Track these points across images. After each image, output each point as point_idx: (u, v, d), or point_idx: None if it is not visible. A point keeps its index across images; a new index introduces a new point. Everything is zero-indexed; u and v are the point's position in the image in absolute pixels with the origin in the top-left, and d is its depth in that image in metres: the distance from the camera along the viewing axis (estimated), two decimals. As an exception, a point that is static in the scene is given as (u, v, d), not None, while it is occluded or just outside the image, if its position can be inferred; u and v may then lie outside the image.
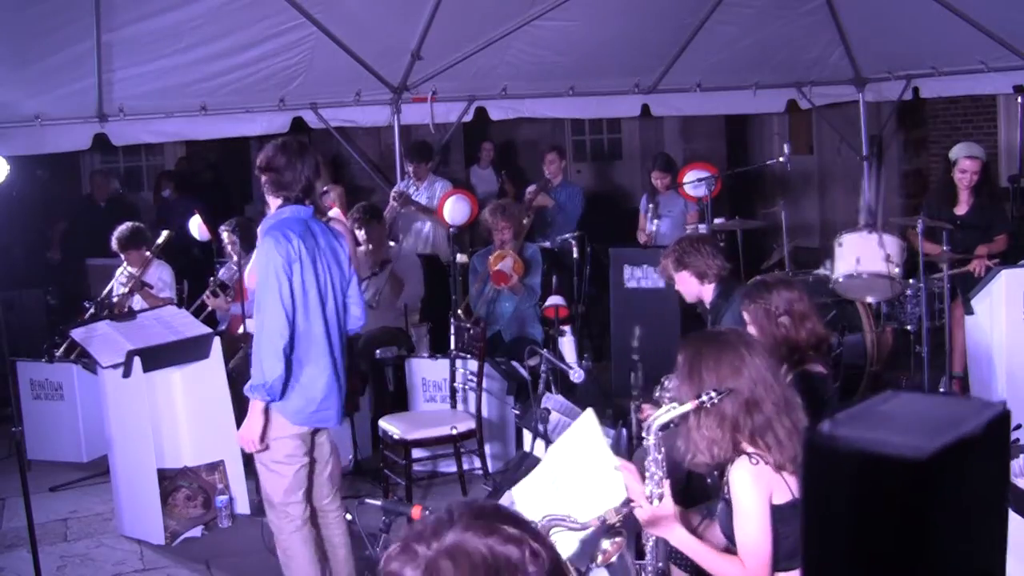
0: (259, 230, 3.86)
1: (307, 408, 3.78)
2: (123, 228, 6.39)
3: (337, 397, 3.87)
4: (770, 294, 3.58)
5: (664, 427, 2.68)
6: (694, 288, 4.47)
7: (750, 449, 2.65)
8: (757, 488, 2.62)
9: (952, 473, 1.20)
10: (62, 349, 6.23)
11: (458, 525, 1.34)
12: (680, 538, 2.68)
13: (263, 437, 3.73)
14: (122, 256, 6.35)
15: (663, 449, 2.68)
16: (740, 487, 2.63)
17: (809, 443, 1.26)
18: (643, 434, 2.73)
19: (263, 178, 3.80)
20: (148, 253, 6.35)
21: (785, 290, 3.60)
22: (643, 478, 2.70)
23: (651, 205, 7.41)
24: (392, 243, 6.79)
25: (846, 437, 1.23)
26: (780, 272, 3.80)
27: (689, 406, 2.67)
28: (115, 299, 6.22)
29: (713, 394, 2.63)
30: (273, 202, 3.82)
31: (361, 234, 6.35)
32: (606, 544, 2.70)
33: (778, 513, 2.63)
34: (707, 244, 4.52)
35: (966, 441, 1.20)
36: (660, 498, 2.67)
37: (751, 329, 3.61)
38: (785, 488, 2.65)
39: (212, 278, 6.13)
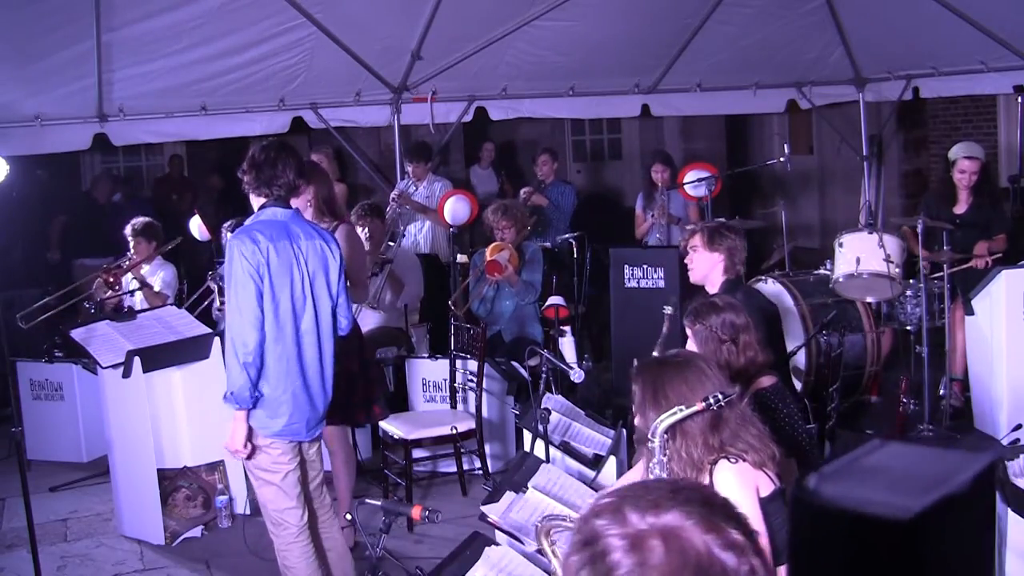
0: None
1: (275, 421, 3.65)
2: (140, 219, 6.46)
3: (306, 410, 3.71)
4: (718, 317, 3.53)
5: (669, 430, 2.68)
6: (714, 273, 4.32)
7: (729, 449, 2.68)
8: (743, 485, 2.64)
9: (938, 531, 1.19)
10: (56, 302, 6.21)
11: (683, 508, 1.19)
12: None
13: (247, 444, 3.66)
14: (131, 243, 6.38)
15: (668, 452, 2.68)
16: (726, 488, 2.63)
17: (795, 500, 1.26)
18: (648, 436, 2.73)
19: (245, 179, 3.70)
20: (155, 250, 6.40)
21: (733, 315, 3.54)
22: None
23: (649, 201, 7.46)
24: (391, 243, 6.79)
25: (831, 495, 1.22)
26: (729, 296, 3.76)
27: (696, 408, 2.68)
28: (109, 270, 6.22)
29: (720, 396, 2.63)
30: (256, 203, 3.73)
31: (364, 232, 6.36)
32: None
33: (767, 507, 2.65)
34: (742, 242, 4.44)
35: (952, 498, 1.19)
36: None
37: (692, 347, 3.58)
38: (767, 480, 2.68)
39: (211, 272, 6.14)
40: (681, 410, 2.69)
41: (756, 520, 2.62)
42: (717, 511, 1.22)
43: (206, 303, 6.25)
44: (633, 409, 2.79)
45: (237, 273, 3.52)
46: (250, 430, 3.65)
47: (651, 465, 2.70)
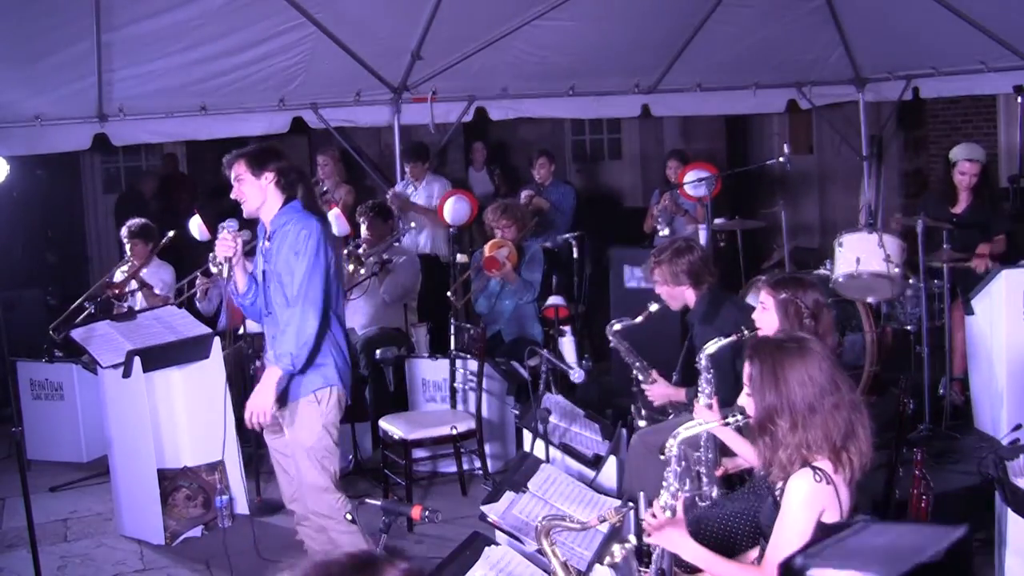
0: (275, 227, 3.86)
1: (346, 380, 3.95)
2: (136, 220, 6.47)
3: None
4: (805, 292, 3.52)
5: (687, 441, 2.66)
6: (687, 296, 4.39)
7: (823, 464, 2.55)
8: (810, 506, 2.54)
9: None
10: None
11: None
12: (691, 550, 2.65)
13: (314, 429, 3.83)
14: (127, 245, 6.39)
15: (683, 463, 2.67)
16: (794, 498, 2.55)
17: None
18: (666, 443, 2.71)
19: (268, 176, 3.82)
20: (152, 251, 6.40)
21: (819, 295, 3.55)
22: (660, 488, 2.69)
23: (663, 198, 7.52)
24: (397, 244, 6.78)
25: (817, 571, 1.24)
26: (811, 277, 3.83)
27: (714, 424, 2.67)
28: (114, 284, 6.23)
29: (740, 417, 2.62)
30: (276, 201, 3.85)
31: (364, 228, 6.42)
32: (616, 549, 2.70)
33: (824, 530, 2.54)
34: (700, 252, 4.43)
35: (926, 567, 1.21)
36: (673, 510, 2.65)
37: (767, 316, 3.56)
38: (837, 508, 2.56)
39: (213, 255, 6.12)
40: (701, 423, 2.68)
41: (799, 539, 2.53)
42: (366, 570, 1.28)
43: (193, 290, 6.28)
44: (746, 391, 2.67)
45: (310, 248, 3.72)
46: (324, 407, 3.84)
47: (665, 473, 2.68)
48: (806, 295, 3.51)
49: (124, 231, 6.41)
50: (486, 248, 6.12)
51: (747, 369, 2.67)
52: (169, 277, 6.49)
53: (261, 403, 3.78)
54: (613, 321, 4.45)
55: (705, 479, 3.64)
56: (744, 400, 2.68)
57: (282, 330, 3.77)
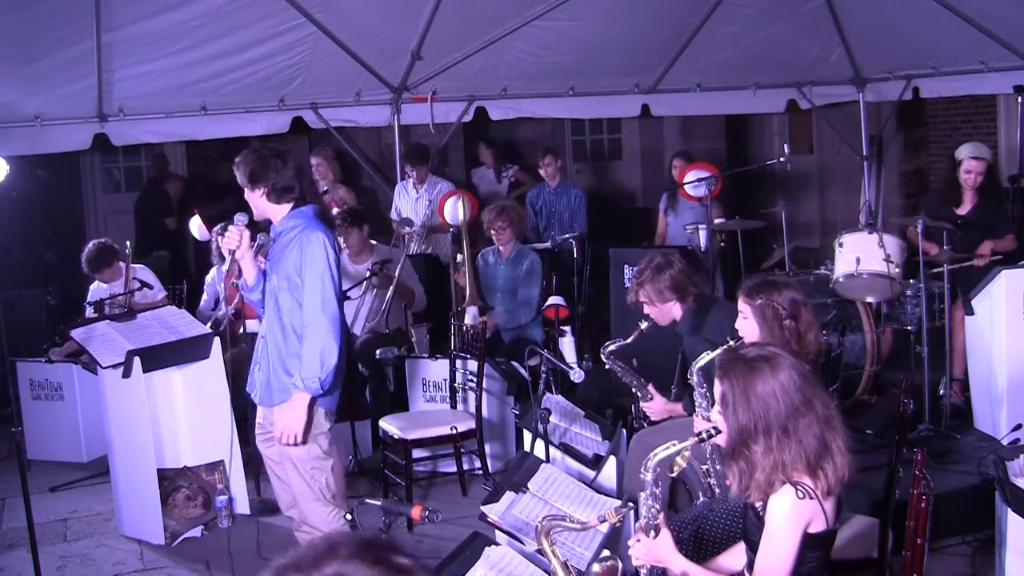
0: (282, 229, 3.84)
1: (334, 396, 3.89)
2: (89, 249, 6.37)
3: None
4: (780, 294, 3.46)
5: (662, 463, 2.64)
6: (675, 311, 4.36)
7: (805, 480, 2.51)
8: (794, 522, 2.50)
9: None
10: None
11: (342, 554, 1.27)
12: (682, 566, 2.63)
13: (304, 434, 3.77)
14: (95, 277, 6.38)
15: (660, 483, 2.65)
16: (778, 516, 2.51)
17: None
18: (641, 469, 2.69)
19: (259, 191, 3.77)
20: (121, 263, 6.41)
21: (795, 293, 3.50)
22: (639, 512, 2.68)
23: (672, 202, 7.51)
24: (373, 241, 6.67)
25: None
26: (783, 274, 3.74)
27: (688, 443, 2.65)
28: (117, 303, 6.22)
29: (712, 430, 2.60)
30: (277, 210, 3.82)
31: (341, 241, 6.34)
32: (597, 568, 2.69)
33: (811, 540, 2.53)
34: (680, 264, 4.38)
35: None
36: (656, 530, 2.64)
37: (747, 324, 3.53)
38: (823, 519, 2.53)
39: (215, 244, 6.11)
40: (674, 444, 2.65)
41: (786, 556, 2.51)
42: (377, 546, 1.30)
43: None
44: (718, 409, 2.61)
45: (320, 263, 3.70)
46: (309, 419, 3.77)
47: (643, 496, 2.66)
48: (781, 296, 3.46)
49: (86, 268, 6.35)
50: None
51: (717, 388, 2.61)
52: (151, 275, 6.51)
53: (292, 426, 3.74)
54: (607, 343, 4.41)
55: (718, 490, 3.63)
56: (716, 417, 2.64)
57: (302, 348, 3.71)
